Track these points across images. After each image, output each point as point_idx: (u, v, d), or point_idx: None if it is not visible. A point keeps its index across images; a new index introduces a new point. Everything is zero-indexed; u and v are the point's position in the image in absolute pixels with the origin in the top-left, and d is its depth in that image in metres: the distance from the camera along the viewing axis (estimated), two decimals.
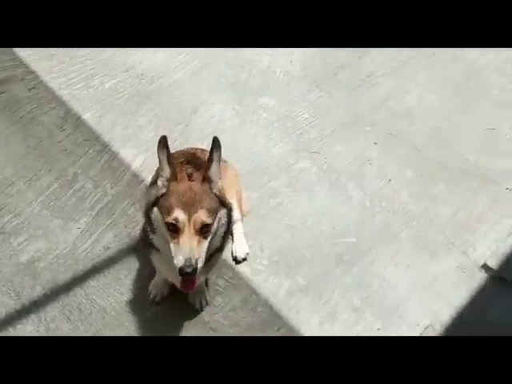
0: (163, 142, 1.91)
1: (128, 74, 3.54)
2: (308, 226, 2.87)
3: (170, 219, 1.83)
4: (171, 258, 1.91)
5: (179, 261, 1.80)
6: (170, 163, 1.93)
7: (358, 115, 3.47)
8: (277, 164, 3.13)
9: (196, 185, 1.93)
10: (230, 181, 2.50)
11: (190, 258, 1.79)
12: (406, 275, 2.70)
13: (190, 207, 1.83)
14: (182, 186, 1.91)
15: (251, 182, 2.96)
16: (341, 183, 3.08)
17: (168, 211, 1.84)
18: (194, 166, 2.20)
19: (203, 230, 1.85)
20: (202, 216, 1.84)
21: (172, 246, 1.85)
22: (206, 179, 1.95)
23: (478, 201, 3.05)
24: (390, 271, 2.70)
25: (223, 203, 2.01)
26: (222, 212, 1.99)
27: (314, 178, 3.10)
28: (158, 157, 1.94)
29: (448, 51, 3.94)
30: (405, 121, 3.46)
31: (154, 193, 1.99)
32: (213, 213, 1.90)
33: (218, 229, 1.98)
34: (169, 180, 1.93)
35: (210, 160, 1.95)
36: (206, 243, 1.88)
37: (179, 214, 1.82)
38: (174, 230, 1.83)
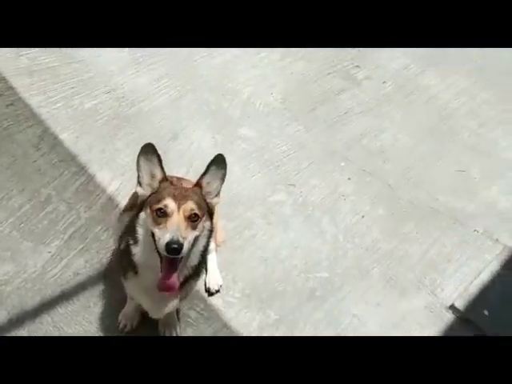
0: (152, 148, 1.97)
1: (109, 96, 3.53)
2: (281, 259, 2.88)
3: (159, 205, 1.85)
4: (152, 274, 1.92)
5: (166, 238, 1.78)
6: (161, 166, 1.99)
7: (333, 150, 3.53)
8: (253, 195, 3.15)
9: (188, 187, 2.02)
10: None
11: (178, 236, 1.78)
12: (376, 313, 2.73)
13: (180, 198, 1.87)
14: (174, 185, 1.99)
15: (227, 212, 2.97)
16: (315, 217, 3.12)
17: (158, 200, 1.87)
18: None
19: (192, 219, 1.87)
20: (191, 205, 1.87)
21: (157, 231, 1.84)
22: (198, 184, 2.01)
23: (447, 241, 3.13)
24: (360, 308, 2.73)
25: (210, 214, 2.02)
26: (208, 223, 2.00)
27: (289, 210, 3.13)
28: (140, 163, 1.97)
29: (424, 92, 4.08)
30: (379, 159, 3.54)
31: (140, 198, 2.01)
32: (201, 209, 1.92)
33: (200, 236, 1.96)
34: (160, 181, 1.98)
35: (206, 171, 2.01)
36: (193, 233, 1.88)
37: (169, 202, 1.85)
38: (163, 214, 1.84)
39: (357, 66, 4.20)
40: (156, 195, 1.93)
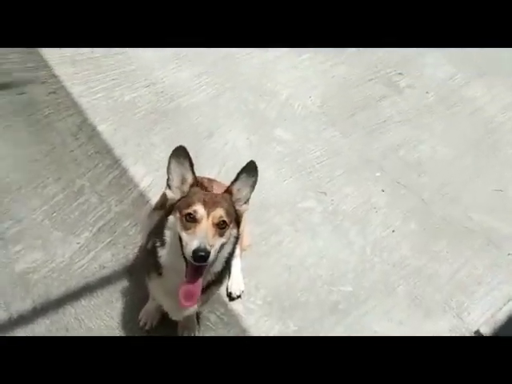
0: (184, 152, 1.93)
1: (148, 90, 3.56)
2: (306, 267, 2.85)
3: (189, 210, 1.85)
4: (176, 277, 1.92)
5: (193, 245, 1.77)
6: (192, 171, 1.97)
7: (369, 159, 3.47)
8: (283, 200, 3.13)
9: (218, 193, 2.01)
10: None
11: (205, 243, 1.77)
12: (398, 331, 2.67)
13: (209, 205, 1.86)
14: (204, 191, 1.99)
15: (256, 216, 2.95)
16: (344, 228, 3.07)
17: (187, 205, 1.87)
18: None
19: (220, 226, 1.87)
20: (220, 212, 1.86)
21: (185, 236, 1.83)
22: (228, 191, 2.00)
23: (479, 262, 3.04)
24: (383, 325, 2.68)
25: (238, 222, 2.02)
26: (234, 230, 1.99)
27: (318, 218, 3.09)
28: (171, 166, 1.94)
29: (469, 104, 3.96)
30: (415, 171, 3.45)
31: (169, 201, 2.00)
32: (230, 217, 1.91)
33: (226, 243, 1.96)
34: (191, 185, 1.97)
35: (237, 178, 1.99)
36: (220, 240, 1.88)
37: (199, 208, 1.85)
38: (192, 220, 1.84)
39: (400, 74, 4.10)
40: (186, 200, 1.92)
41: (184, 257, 1.86)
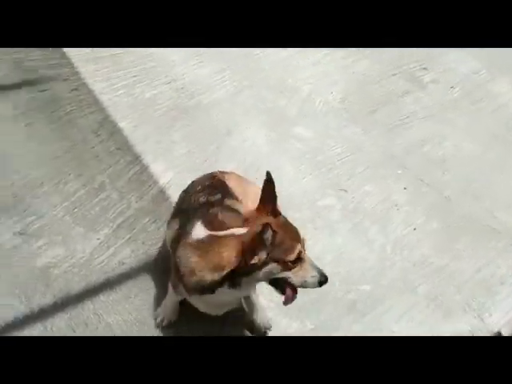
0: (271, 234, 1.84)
1: (169, 87, 3.58)
2: (324, 266, 2.81)
3: (294, 255, 1.93)
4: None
5: (317, 278, 1.99)
6: (273, 231, 1.84)
7: (391, 156, 3.42)
8: (302, 197, 3.10)
9: (281, 219, 2.02)
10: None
11: (320, 269, 2.00)
12: (417, 332, 2.63)
13: (297, 236, 1.98)
14: (279, 228, 1.90)
15: None
16: (364, 225, 3.03)
17: (287, 252, 1.92)
18: (213, 187, 2.30)
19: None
20: (303, 238, 2.01)
21: (293, 276, 1.96)
22: (278, 212, 2.04)
23: (502, 262, 2.96)
24: (401, 326, 2.64)
25: None
26: None
27: (338, 216, 3.06)
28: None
29: (493, 101, 3.87)
30: (438, 168, 3.39)
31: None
32: None
33: None
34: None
35: (274, 196, 2.05)
36: None
37: (300, 247, 1.95)
38: (298, 260, 1.95)
39: (424, 68, 4.03)
40: (281, 247, 1.90)
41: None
